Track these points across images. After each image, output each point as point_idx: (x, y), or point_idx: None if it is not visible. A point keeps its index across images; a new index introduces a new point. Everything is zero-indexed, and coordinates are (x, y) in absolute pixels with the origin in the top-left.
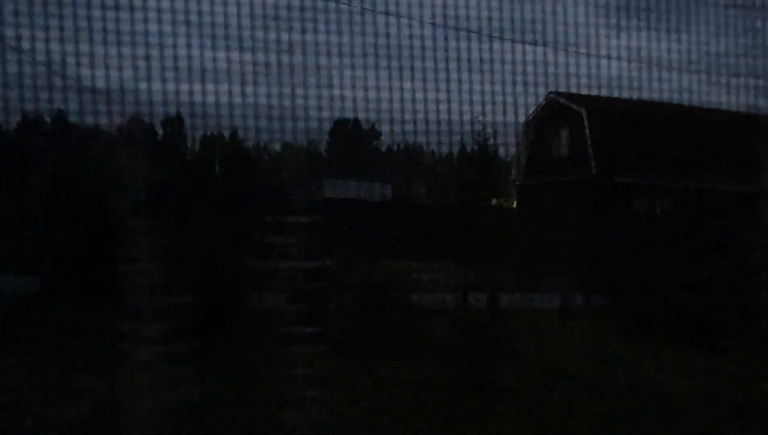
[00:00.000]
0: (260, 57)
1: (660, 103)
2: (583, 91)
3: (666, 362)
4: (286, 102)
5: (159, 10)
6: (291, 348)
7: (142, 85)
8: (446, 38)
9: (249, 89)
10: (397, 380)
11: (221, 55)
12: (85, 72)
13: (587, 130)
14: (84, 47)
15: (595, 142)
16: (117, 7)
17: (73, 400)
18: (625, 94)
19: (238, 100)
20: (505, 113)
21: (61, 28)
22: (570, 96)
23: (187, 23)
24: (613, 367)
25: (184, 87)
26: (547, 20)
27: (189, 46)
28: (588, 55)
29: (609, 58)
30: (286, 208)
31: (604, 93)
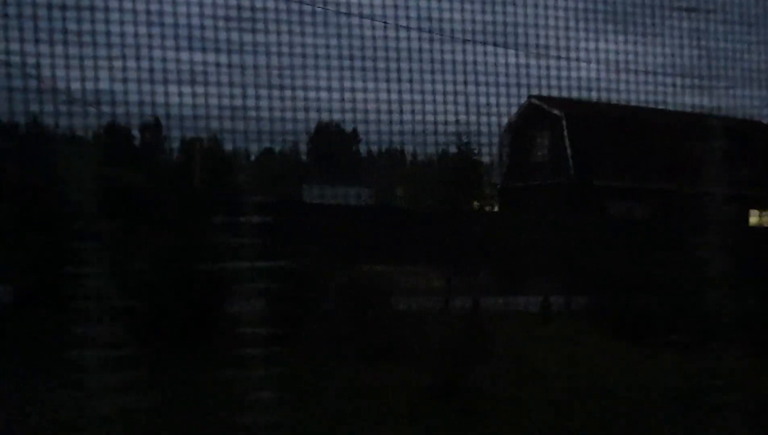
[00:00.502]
0: (237, 59)
1: (637, 107)
2: (562, 95)
3: (640, 363)
4: (266, 105)
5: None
6: (266, 352)
7: (117, 88)
8: (429, 41)
9: (227, 92)
10: (379, 383)
11: (197, 57)
12: (60, 75)
13: (566, 134)
14: (56, 49)
15: (574, 146)
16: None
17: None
18: (603, 98)
19: (215, 103)
20: (485, 116)
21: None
22: (549, 100)
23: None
24: (591, 368)
25: (160, 90)
26: (527, 25)
27: (164, 48)
28: (567, 59)
29: (588, 62)
30: (262, 212)
31: (583, 96)
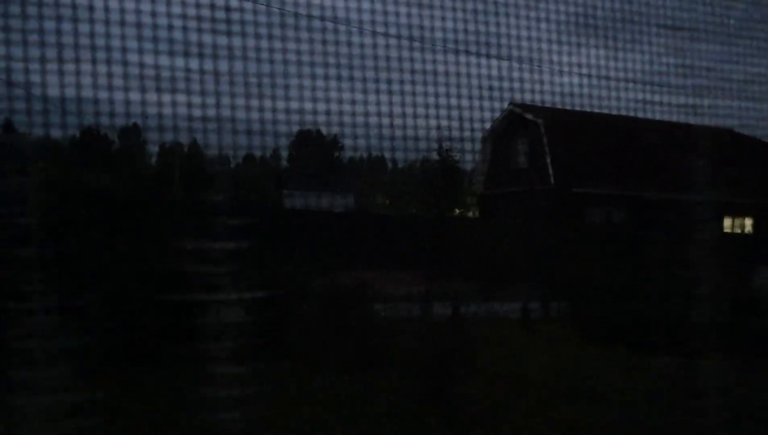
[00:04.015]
0: (221, 67)
1: (617, 116)
2: (541, 104)
3: (618, 368)
4: (247, 113)
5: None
6: (248, 363)
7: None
8: (410, 50)
9: (208, 100)
10: (361, 392)
11: (178, 63)
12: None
13: (545, 142)
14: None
15: (554, 153)
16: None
17: None
18: (582, 106)
19: (196, 111)
20: (465, 124)
21: None
22: (528, 108)
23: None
24: (571, 373)
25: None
26: (508, 35)
27: (143, 54)
28: (549, 69)
29: (569, 72)
30: (242, 219)
31: (561, 105)
